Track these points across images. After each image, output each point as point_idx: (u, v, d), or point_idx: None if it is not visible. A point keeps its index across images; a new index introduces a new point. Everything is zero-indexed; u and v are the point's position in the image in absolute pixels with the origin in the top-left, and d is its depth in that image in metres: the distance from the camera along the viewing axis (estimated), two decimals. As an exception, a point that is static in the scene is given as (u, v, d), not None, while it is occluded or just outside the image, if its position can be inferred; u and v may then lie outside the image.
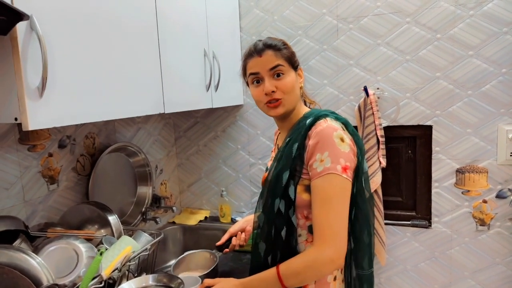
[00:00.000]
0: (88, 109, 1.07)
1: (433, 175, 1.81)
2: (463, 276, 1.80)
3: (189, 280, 1.19)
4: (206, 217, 2.22)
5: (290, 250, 1.07)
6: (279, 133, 1.30)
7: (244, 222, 1.43)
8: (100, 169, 1.61)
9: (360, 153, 1.07)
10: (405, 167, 1.88)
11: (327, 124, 1.04)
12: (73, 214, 1.42)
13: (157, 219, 1.87)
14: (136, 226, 1.81)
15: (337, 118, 1.10)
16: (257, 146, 2.12)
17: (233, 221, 2.13)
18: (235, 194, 2.21)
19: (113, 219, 1.41)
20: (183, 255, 1.49)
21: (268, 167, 1.22)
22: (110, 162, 1.71)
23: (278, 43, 1.11)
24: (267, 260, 1.11)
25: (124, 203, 1.83)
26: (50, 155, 1.43)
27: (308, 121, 1.07)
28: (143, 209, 1.88)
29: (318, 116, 1.08)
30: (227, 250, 1.39)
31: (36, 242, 1.22)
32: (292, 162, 1.06)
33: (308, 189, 1.05)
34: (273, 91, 1.08)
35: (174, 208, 1.98)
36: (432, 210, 1.83)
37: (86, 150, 1.59)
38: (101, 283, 1.04)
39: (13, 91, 0.89)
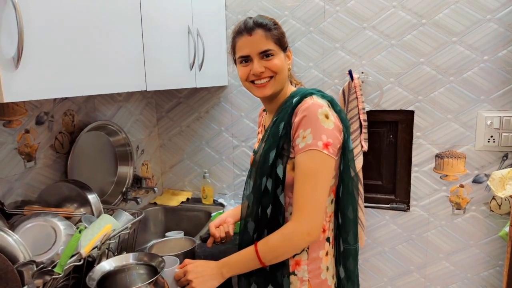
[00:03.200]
0: (67, 83, 1.03)
1: (413, 159, 1.84)
2: (438, 258, 1.86)
3: (167, 260, 1.18)
4: (188, 198, 2.21)
5: (277, 228, 1.06)
6: (265, 114, 1.29)
7: (225, 215, 1.40)
8: (79, 147, 1.57)
9: (346, 131, 1.08)
10: (386, 151, 1.90)
11: (312, 101, 1.04)
12: (51, 192, 1.38)
13: (138, 200, 1.85)
14: (117, 206, 1.78)
15: (323, 96, 1.10)
16: (241, 128, 2.10)
17: (215, 203, 2.13)
18: (218, 176, 2.21)
19: (92, 197, 1.38)
20: (162, 239, 1.46)
21: (255, 149, 1.21)
22: (90, 140, 1.67)
23: (269, 22, 1.09)
24: (254, 238, 1.11)
25: (104, 183, 1.79)
26: (27, 131, 1.39)
27: (294, 100, 1.08)
28: (124, 189, 1.85)
29: (304, 94, 1.08)
30: (209, 242, 1.33)
31: (12, 220, 1.19)
32: (278, 140, 1.06)
33: None
34: (261, 72, 1.07)
35: (155, 188, 1.96)
36: (411, 194, 1.87)
37: (65, 128, 1.55)
38: (80, 261, 1.02)
39: (-14, 61, 0.85)
